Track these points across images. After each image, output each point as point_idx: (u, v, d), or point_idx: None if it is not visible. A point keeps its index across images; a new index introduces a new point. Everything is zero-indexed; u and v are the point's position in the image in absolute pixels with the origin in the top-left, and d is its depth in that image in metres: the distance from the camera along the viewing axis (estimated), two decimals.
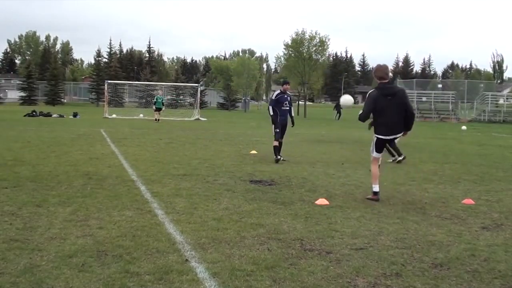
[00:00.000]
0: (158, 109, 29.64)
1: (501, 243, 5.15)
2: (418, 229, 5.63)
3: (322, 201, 6.85)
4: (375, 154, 7.51)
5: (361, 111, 7.47)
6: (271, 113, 11.46)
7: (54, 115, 32.41)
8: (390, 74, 8.32)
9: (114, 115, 33.34)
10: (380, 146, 7.51)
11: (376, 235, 5.33)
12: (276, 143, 11.45)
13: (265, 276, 4.02)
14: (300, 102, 53.18)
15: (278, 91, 11.80)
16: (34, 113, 31.73)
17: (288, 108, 11.63)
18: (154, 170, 9.39)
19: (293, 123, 11.92)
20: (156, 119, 29.14)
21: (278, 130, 11.48)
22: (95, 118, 30.94)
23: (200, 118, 33.74)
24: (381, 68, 7.32)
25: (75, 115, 32.19)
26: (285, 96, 11.61)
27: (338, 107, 44.19)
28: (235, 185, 8.11)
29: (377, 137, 7.43)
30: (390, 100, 7.16)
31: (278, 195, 7.33)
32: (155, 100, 30.35)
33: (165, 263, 4.24)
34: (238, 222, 5.67)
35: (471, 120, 41.48)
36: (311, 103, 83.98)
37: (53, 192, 7.05)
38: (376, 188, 7.24)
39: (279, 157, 11.29)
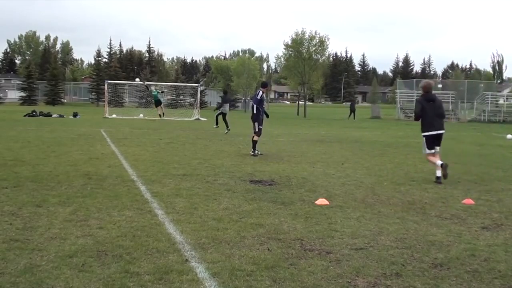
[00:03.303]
0: (159, 103, 29.57)
1: (501, 243, 5.15)
2: (418, 229, 5.63)
3: (322, 201, 6.85)
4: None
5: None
6: (255, 111, 12.72)
7: (54, 115, 32.41)
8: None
9: (114, 115, 33.32)
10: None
11: (376, 235, 5.33)
12: (256, 138, 12.58)
13: (265, 276, 4.02)
14: (300, 102, 53.18)
15: (261, 92, 12.89)
16: (34, 113, 31.73)
17: (264, 107, 13.11)
18: (154, 170, 9.39)
19: (267, 115, 13.34)
20: (160, 115, 29.06)
21: (261, 127, 12.71)
22: (95, 118, 30.94)
23: (200, 118, 33.72)
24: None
25: (75, 115, 32.18)
26: (264, 96, 13.08)
27: (352, 106, 44.59)
28: (235, 185, 8.11)
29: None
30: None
31: (278, 195, 7.33)
32: (154, 94, 30.33)
33: (165, 263, 4.24)
34: (238, 222, 5.67)
35: (471, 120, 41.48)
36: (311, 103, 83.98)
37: (53, 192, 7.05)
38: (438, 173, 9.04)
39: (256, 152, 12.42)
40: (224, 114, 20.63)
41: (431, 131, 9.25)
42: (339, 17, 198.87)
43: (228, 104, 21.28)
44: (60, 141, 14.73)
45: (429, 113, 9.24)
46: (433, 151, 9.27)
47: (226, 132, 19.80)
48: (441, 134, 9.38)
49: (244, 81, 59.07)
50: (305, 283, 3.91)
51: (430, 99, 9.40)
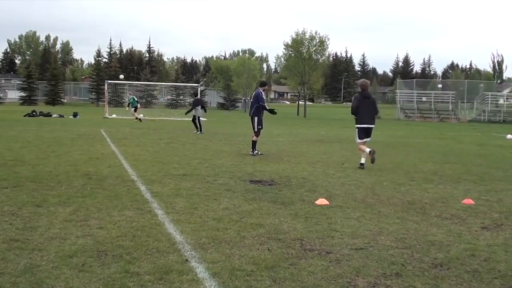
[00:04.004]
0: (135, 108, 29.49)
1: (501, 243, 5.15)
2: (418, 229, 5.63)
3: (322, 201, 6.84)
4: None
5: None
6: (268, 108, 12.77)
7: (54, 115, 32.41)
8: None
9: (114, 115, 33.32)
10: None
11: (376, 235, 5.33)
12: (255, 138, 12.60)
13: (265, 276, 4.02)
14: (300, 102, 53.17)
15: (260, 92, 12.85)
16: (34, 113, 31.73)
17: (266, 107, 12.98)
18: (154, 170, 9.39)
19: (273, 112, 13.30)
20: (137, 118, 28.89)
21: (260, 127, 12.67)
22: (95, 118, 30.94)
23: (200, 118, 33.71)
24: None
25: (75, 115, 32.19)
26: (263, 95, 12.96)
27: None
28: (235, 185, 8.11)
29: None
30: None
31: (278, 195, 7.33)
32: (129, 101, 30.11)
33: (165, 263, 4.24)
34: (238, 222, 5.67)
35: (471, 120, 41.46)
36: (311, 103, 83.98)
37: (53, 192, 7.05)
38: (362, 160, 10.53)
39: (256, 152, 12.45)
40: (197, 117, 20.46)
41: (363, 124, 10.70)
42: (339, 17, 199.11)
43: (200, 106, 21.01)
44: (60, 141, 14.73)
45: (364, 108, 10.64)
46: (363, 140, 10.75)
47: (195, 133, 19.78)
48: (371, 128, 10.82)
49: (244, 81, 59.06)
50: (305, 283, 3.91)
51: (366, 96, 10.78)
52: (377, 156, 10.61)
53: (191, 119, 21.29)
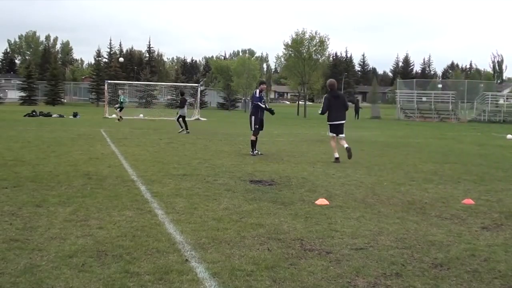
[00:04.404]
0: (121, 108, 29.41)
1: (501, 243, 5.15)
2: (418, 229, 5.63)
3: (322, 201, 6.84)
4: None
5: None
6: (263, 106, 12.67)
7: (54, 115, 32.41)
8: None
9: (114, 115, 33.31)
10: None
11: (376, 235, 5.33)
12: (253, 138, 12.58)
13: (265, 276, 4.01)
14: (300, 102, 53.16)
15: (259, 90, 12.82)
16: (34, 113, 31.73)
17: (264, 106, 12.80)
18: (154, 170, 9.39)
19: (272, 112, 13.22)
20: (119, 119, 28.80)
21: (257, 126, 12.60)
22: (95, 118, 30.95)
23: (200, 118, 33.76)
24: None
25: (75, 115, 32.19)
26: (262, 95, 12.90)
27: (356, 107, 44.78)
28: (235, 185, 8.11)
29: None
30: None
31: (278, 195, 7.33)
32: (120, 100, 30.00)
33: (165, 263, 4.24)
34: (238, 222, 5.67)
35: (471, 120, 41.45)
36: (311, 103, 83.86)
37: (53, 192, 7.05)
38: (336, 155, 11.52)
39: (255, 152, 12.39)
40: (182, 116, 20.46)
41: (334, 121, 11.88)
42: (339, 17, 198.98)
43: (185, 106, 20.98)
44: (60, 141, 14.73)
45: (335, 107, 11.80)
46: (334, 135, 11.91)
47: (180, 132, 19.74)
48: (342, 124, 11.98)
49: (244, 81, 59.05)
50: (305, 283, 3.90)
51: (335, 96, 11.99)
52: (377, 156, 10.65)
53: (175, 119, 21.23)
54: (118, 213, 5.96)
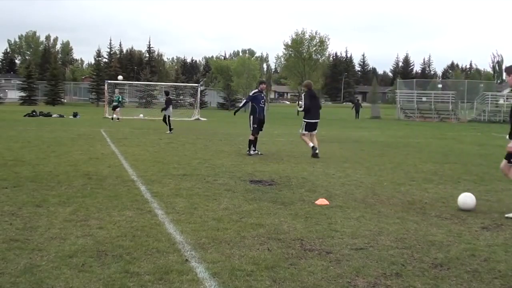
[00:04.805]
0: (116, 107, 29.37)
1: (501, 243, 5.15)
2: (418, 229, 5.63)
3: (322, 201, 6.84)
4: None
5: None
6: (242, 103, 13.10)
7: (54, 115, 32.41)
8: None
9: (114, 115, 33.30)
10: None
11: (376, 235, 5.33)
12: (252, 138, 12.62)
13: (265, 276, 4.01)
14: (300, 102, 53.14)
15: (256, 90, 12.92)
16: (34, 113, 31.74)
17: (263, 106, 12.84)
18: (154, 170, 9.39)
19: (264, 121, 13.05)
20: (113, 118, 28.73)
21: (255, 126, 12.62)
22: (95, 118, 30.94)
23: (200, 118, 33.77)
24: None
25: (75, 115, 32.19)
26: (262, 95, 12.80)
27: (357, 107, 44.84)
28: (235, 185, 8.11)
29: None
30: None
31: (278, 195, 7.33)
32: (115, 99, 29.98)
33: (165, 263, 4.24)
34: (238, 222, 5.67)
35: (471, 120, 41.45)
36: None
37: (53, 192, 7.05)
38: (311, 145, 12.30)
39: (252, 152, 12.47)
40: (167, 116, 20.41)
41: (312, 119, 12.59)
42: (339, 17, 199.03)
43: (171, 105, 20.93)
44: (60, 141, 14.73)
45: (313, 106, 12.52)
46: (308, 133, 12.60)
47: (168, 132, 19.67)
48: (317, 122, 12.85)
49: (244, 81, 59.07)
50: (305, 283, 3.90)
51: (313, 95, 12.85)
52: (377, 156, 10.68)
53: (161, 118, 21.14)
54: (118, 213, 5.96)
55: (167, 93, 22.28)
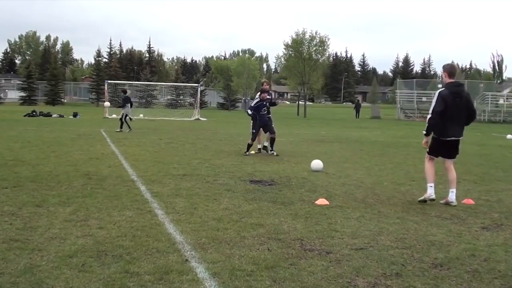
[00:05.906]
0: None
1: (501, 243, 5.15)
2: (418, 229, 5.63)
3: (322, 201, 6.84)
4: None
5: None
6: (250, 113, 12.86)
7: (54, 115, 32.42)
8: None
9: (114, 115, 33.30)
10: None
11: (376, 235, 5.33)
12: (250, 142, 12.73)
13: (265, 276, 4.01)
14: (300, 102, 53.15)
15: (258, 99, 12.85)
16: (34, 113, 31.74)
17: (265, 113, 12.78)
18: (154, 170, 9.39)
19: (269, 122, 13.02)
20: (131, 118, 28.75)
21: (254, 131, 12.70)
22: (95, 118, 30.95)
23: (200, 118, 33.77)
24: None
25: (75, 115, 32.20)
26: (264, 103, 12.78)
27: (357, 107, 44.97)
28: (235, 185, 8.11)
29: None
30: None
31: (278, 195, 7.33)
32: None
33: (165, 263, 4.24)
34: (238, 222, 5.67)
35: None
36: (311, 103, 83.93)
37: (53, 192, 7.05)
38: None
39: (247, 153, 12.54)
40: (125, 115, 20.35)
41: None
42: (339, 17, 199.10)
43: (129, 105, 20.84)
44: (60, 141, 14.73)
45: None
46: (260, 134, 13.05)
47: (126, 131, 19.57)
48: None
49: (244, 81, 59.06)
50: (305, 283, 3.90)
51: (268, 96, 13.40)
52: (377, 156, 10.67)
53: (119, 117, 21.05)
54: (118, 213, 5.96)
55: (124, 92, 22.07)
